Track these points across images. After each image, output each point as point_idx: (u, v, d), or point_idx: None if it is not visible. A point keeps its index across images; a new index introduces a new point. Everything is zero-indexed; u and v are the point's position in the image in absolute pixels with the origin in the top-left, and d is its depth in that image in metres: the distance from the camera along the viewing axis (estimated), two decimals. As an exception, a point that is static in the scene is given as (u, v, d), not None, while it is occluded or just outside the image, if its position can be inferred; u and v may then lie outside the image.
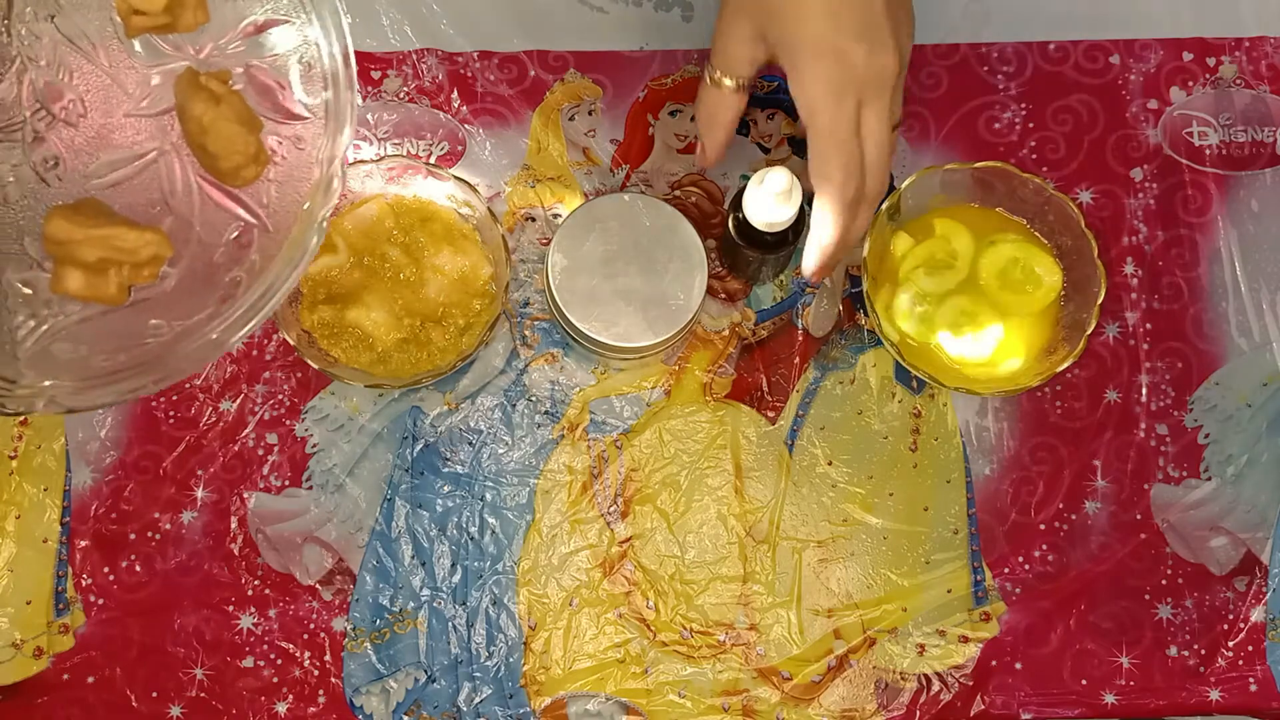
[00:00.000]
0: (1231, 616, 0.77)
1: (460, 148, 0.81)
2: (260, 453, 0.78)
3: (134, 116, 0.59)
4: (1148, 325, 0.80)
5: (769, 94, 0.82)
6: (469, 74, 0.82)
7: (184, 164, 0.59)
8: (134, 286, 0.58)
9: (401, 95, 0.81)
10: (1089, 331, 0.72)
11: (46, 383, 0.53)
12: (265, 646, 0.76)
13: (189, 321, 0.55)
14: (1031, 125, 0.82)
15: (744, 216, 0.72)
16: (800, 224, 0.73)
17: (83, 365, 0.55)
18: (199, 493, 0.77)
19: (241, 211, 0.59)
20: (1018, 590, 0.77)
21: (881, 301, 0.76)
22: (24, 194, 0.58)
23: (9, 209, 0.57)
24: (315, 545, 0.77)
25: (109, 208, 0.58)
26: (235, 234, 0.59)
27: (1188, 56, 0.83)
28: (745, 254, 0.75)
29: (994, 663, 0.76)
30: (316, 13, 0.57)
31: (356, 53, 0.63)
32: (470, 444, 0.78)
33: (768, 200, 0.70)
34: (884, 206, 0.74)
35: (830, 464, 0.78)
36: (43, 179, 0.58)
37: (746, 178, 0.81)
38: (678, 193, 0.81)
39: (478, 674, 0.75)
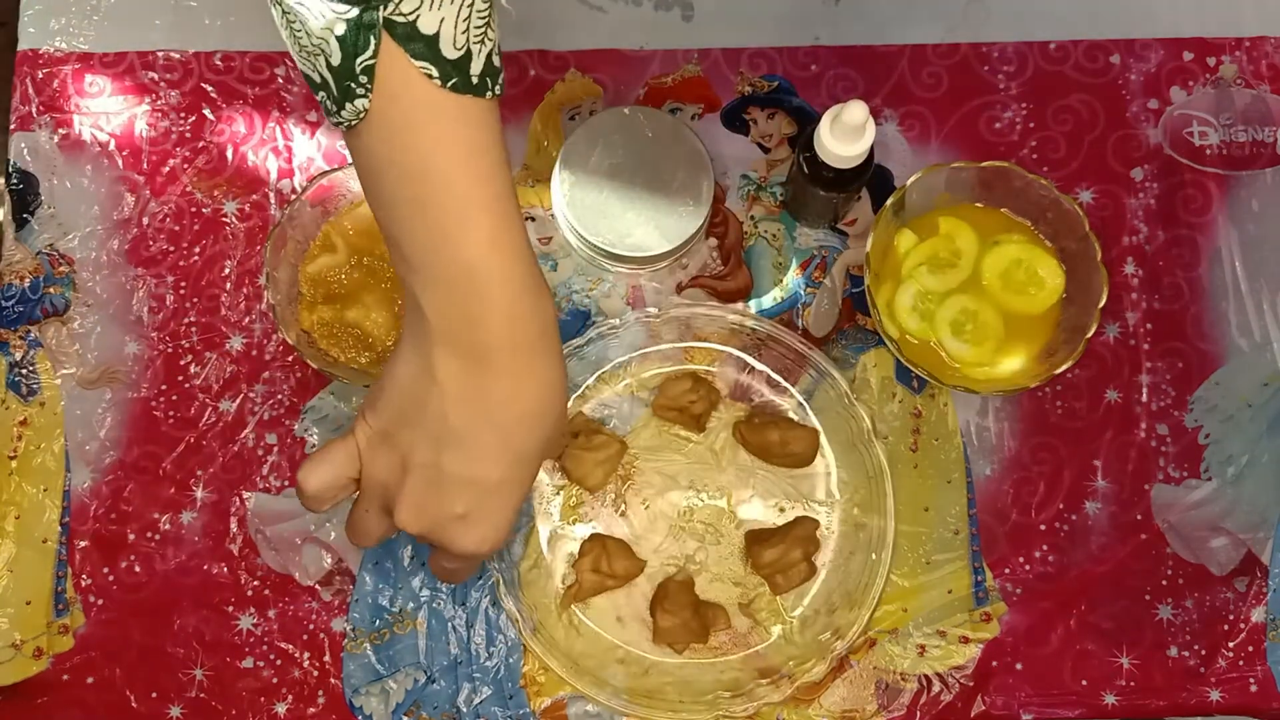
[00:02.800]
0: (1232, 617, 0.76)
1: (460, 147, 0.81)
2: (260, 453, 0.78)
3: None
4: (1148, 325, 0.80)
5: (769, 94, 0.82)
6: (469, 73, 0.82)
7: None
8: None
9: (401, 95, 0.81)
10: (1089, 335, 0.72)
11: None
12: (265, 647, 0.76)
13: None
14: (1032, 125, 0.82)
15: (815, 154, 0.71)
16: (870, 162, 0.72)
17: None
18: (199, 493, 0.77)
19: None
20: (1018, 591, 0.77)
21: (883, 298, 0.76)
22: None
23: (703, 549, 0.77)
24: (315, 545, 0.77)
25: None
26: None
27: (1188, 56, 0.83)
28: (815, 193, 0.74)
29: (994, 663, 0.76)
30: None
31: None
32: (470, 444, 0.78)
33: (843, 134, 0.69)
34: (889, 203, 0.74)
35: (831, 464, 0.78)
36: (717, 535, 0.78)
37: (747, 178, 0.81)
38: None
39: (477, 674, 0.75)
